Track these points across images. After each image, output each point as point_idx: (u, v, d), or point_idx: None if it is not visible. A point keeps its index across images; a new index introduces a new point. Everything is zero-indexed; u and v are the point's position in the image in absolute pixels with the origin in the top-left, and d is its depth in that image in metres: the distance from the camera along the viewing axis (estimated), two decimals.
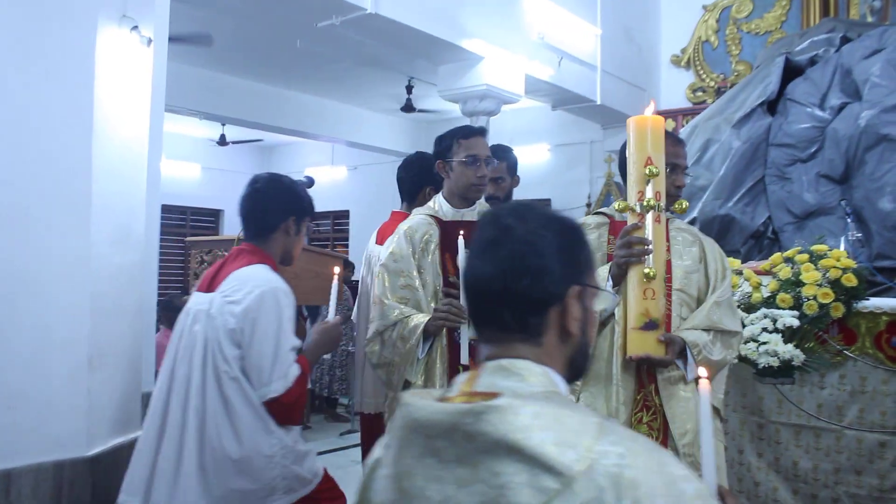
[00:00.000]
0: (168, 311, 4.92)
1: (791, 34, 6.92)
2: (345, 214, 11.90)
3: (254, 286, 2.33)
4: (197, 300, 2.43)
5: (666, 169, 2.24)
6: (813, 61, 5.74)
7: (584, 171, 9.32)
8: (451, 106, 9.21)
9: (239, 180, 3.42)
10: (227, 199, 7.20)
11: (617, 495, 0.94)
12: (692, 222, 5.40)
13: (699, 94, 8.40)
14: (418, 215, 2.83)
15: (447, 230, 2.77)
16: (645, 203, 2.14)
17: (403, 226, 2.79)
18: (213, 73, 8.35)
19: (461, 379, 1.15)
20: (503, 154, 3.66)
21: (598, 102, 7.66)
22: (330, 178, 11.64)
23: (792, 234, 5.30)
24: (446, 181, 2.87)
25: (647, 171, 2.13)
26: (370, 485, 1.17)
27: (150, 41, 2.84)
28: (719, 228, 5.54)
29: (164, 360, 2.44)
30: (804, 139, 5.42)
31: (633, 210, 2.17)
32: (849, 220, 4.72)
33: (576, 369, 1.19)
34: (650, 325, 2.16)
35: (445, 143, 2.87)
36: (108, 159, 2.65)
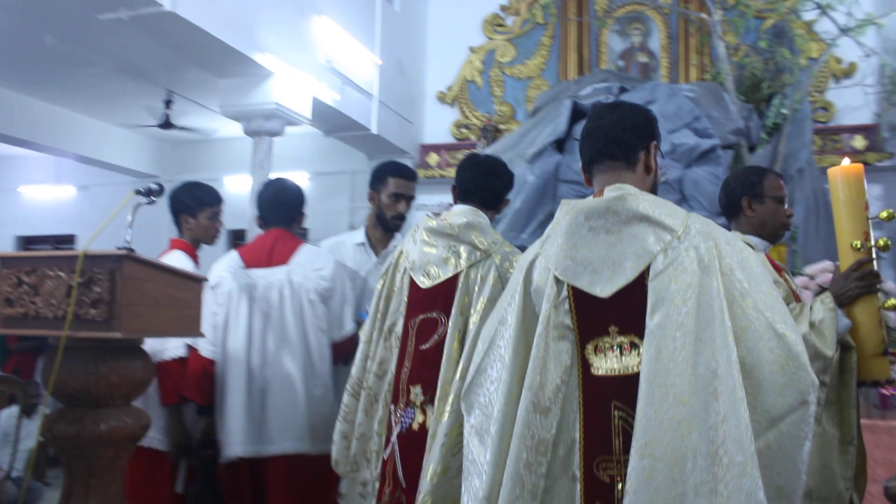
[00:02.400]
0: None
1: (567, 81, 7.39)
2: (69, 239, 10.58)
3: (326, 258, 3.19)
4: (267, 273, 3.07)
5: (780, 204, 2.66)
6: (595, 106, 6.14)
7: (345, 200, 9.16)
8: (216, 125, 8.65)
9: None
10: None
11: (704, 240, 1.63)
12: None
13: (464, 130, 8.64)
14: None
15: None
16: (874, 243, 2.33)
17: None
18: None
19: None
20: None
21: (374, 132, 7.57)
22: (53, 198, 10.31)
23: None
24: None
25: (867, 214, 2.36)
26: (531, 269, 1.80)
27: None
28: None
29: (229, 327, 3.01)
30: None
31: (857, 248, 2.33)
32: None
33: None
34: (886, 352, 2.33)
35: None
36: None
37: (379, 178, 3.39)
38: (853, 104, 7.38)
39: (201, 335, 2.72)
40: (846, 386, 2.37)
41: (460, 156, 8.45)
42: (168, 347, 2.94)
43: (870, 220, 2.37)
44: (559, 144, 5.96)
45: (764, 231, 2.67)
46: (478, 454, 1.73)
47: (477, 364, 1.84)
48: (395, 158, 8.40)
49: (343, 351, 3.15)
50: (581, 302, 1.69)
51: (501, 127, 8.40)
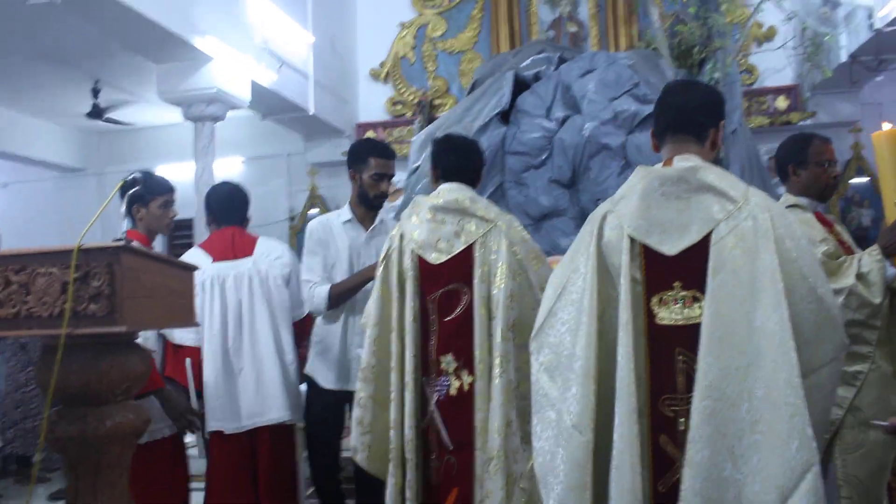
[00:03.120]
0: None
1: (505, 53, 7.43)
2: None
3: (282, 246, 3.59)
4: (236, 265, 3.40)
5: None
6: (537, 77, 6.22)
7: (282, 184, 9.05)
8: (150, 112, 8.38)
9: None
10: None
11: (762, 211, 1.81)
12: None
13: (398, 107, 8.63)
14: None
15: None
16: None
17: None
18: None
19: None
20: None
21: (312, 112, 7.49)
22: None
23: (530, 234, 5.64)
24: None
25: None
26: (603, 224, 1.99)
27: None
28: None
29: (203, 313, 3.29)
30: (535, 147, 5.84)
31: None
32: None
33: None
34: None
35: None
36: None
37: (359, 157, 3.42)
38: (776, 66, 7.67)
39: (196, 324, 2.69)
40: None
41: (397, 133, 8.47)
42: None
43: None
44: (504, 116, 6.01)
45: (811, 192, 2.96)
46: (549, 389, 1.97)
47: (548, 308, 2.03)
48: (331, 139, 8.47)
49: (301, 329, 3.55)
50: (650, 258, 1.91)
51: (437, 102, 8.43)
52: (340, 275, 3.42)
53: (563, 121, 5.88)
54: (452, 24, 8.58)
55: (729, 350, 1.75)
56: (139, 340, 2.92)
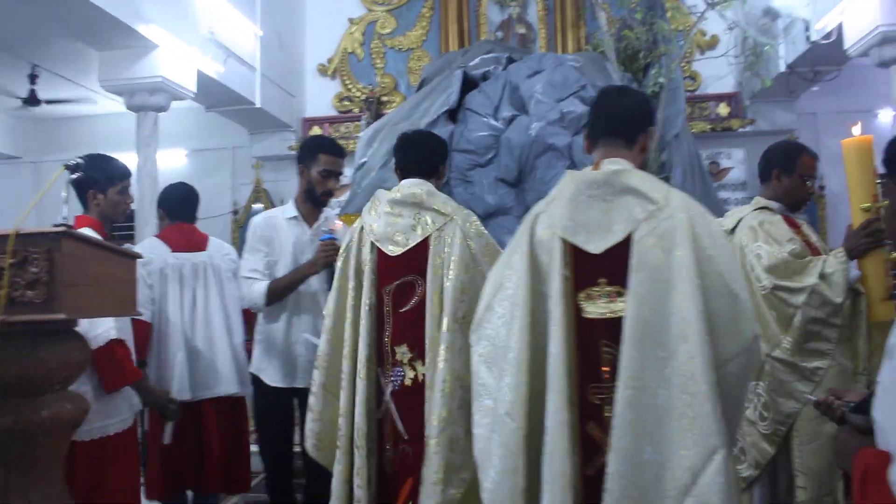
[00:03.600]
0: None
1: (454, 52, 7.44)
2: None
3: (229, 246, 3.97)
4: (192, 256, 3.71)
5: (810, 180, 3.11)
6: (485, 76, 6.25)
7: (227, 177, 8.91)
8: (90, 101, 8.17)
9: None
10: None
11: (680, 212, 1.93)
12: None
13: (346, 103, 8.57)
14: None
15: None
16: (879, 204, 2.67)
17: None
18: None
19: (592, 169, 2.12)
20: None
21: (258, 105, 7.40)
22: None
23: None
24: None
25: (875, 180, 2.69)
26: (535, 224, 2.10)
27: None
28: None
29: (166, 298, 3.63)
30: (482, 146, 5.87)
31: (866, 210, 2.71)
32: None
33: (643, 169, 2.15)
34: (892, 297, 2.72)
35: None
36: None
37: (309, 153, 3.42)
38: (718, 74, 7.84)
39: (139, 314, 2.65)
40: (857, 326, 2.82)
41: (343, 129, 8.42)
42: (99, 332, 2.83)
43: (878, 184, 2.68)
44: (452, 114, 6.03)
45: (786, 199, 3.13)
46: (487, 378, 2.08)
47: (486, 303, 2.16)
48: (277, 133, 8.38)
49: (247, 319, 3.85)
50: (578, 256, 2.04)
51: (384, 99, 8.41)
52: (283, 272, 3.42)
53: (511, 120, 5.92)
54: (402, 22, 8.57)
55: (648, 342, 1.88)
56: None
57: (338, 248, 3.06)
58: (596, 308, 2.01)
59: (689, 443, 1.79)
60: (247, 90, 7.19)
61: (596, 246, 2.01)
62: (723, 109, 8.04)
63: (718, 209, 4.59)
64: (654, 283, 1.90)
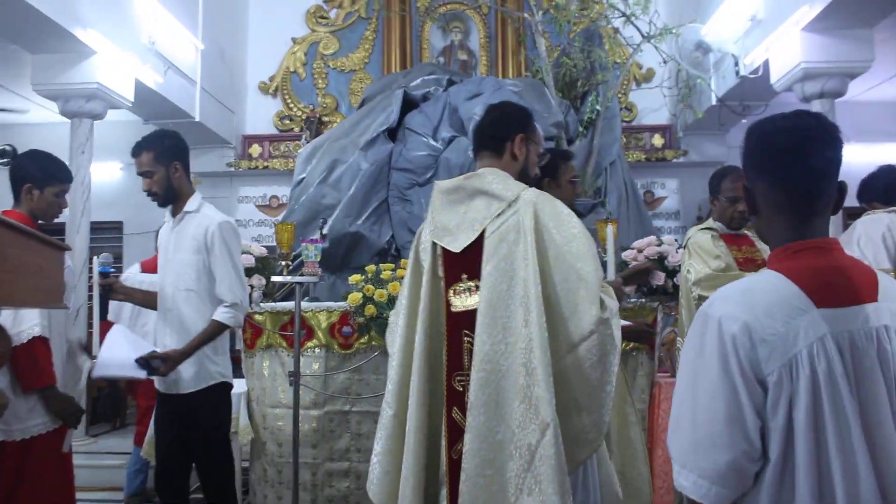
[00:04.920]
0: None
1: (395, 73, 7.52)
2: None
3: None
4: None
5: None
6: (426, 97, 6.33)
7: None
8: (19, 116, 7.95)
9: None
10: None
11: (528, 206, 2.07)
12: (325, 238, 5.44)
13: (286, 122, 8.56)
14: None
15: None
16: None
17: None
18: None
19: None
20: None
21: (197, 119, 7.33)
22: None
23: (413, 249, 5.69)
24: None
25: None
26: (421, 233, 2.31)
27: None
28: (349, 244, 5.75)
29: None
30: (421, 165, 5.93)
31: None
32: None
33: (522, 178, 2.26)
34: None
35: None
36: None
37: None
38: (652, 106, 8.11)
39: (65, 307, 2.58)
40: None
41: (283, 147, 8.40)
42: (23, 328, 2.74)
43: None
44: (391, 133, 6.08)
45: (723, 220, 3.37)
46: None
47: (396, 304, 2.38)
48: (216, 149, 8.30)
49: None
50: (447, 256, 2.23)
51: (325, 119, 8.42)
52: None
53: (450, 141, 6.00)
54: (345, 44, 8.63)
55: (497, 327, 2.03)
56: (25, 328, 2.85)
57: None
58: (460, 301, 2.18)
59: (528, 422, 1.93)
60: (186, 103, 7.12)
61: (456, 245, 2.19)
62: (657, 140, 8.27)
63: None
64: (501, 274, 2.06)
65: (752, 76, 6.40)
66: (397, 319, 2.31)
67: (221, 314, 3.04)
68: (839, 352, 1.25)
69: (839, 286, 1.30)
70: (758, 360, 1.25)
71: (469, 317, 2.12)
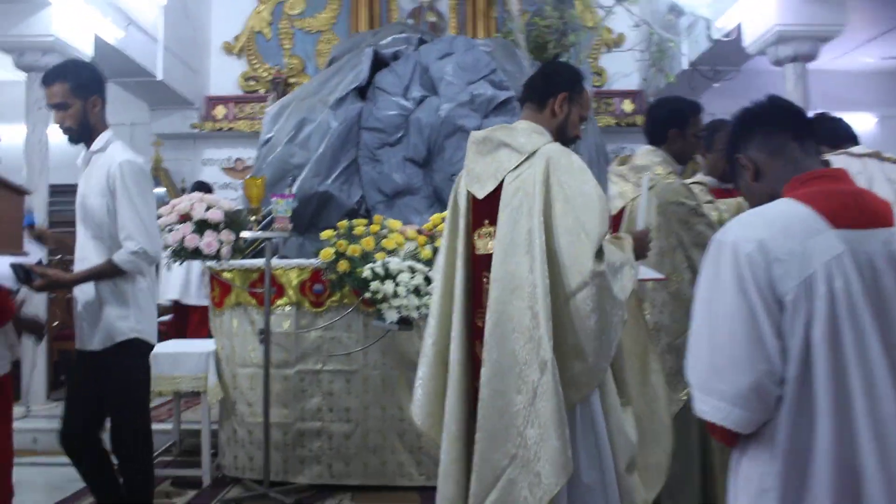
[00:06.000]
0: None
1: (365, 32, 7.35)
2: None
3: None
4: None
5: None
6: (396, 56, 6.19)
7: None
8: None
9: None
10: None
11: (543, 159, 2.20)
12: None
13: (252, 83, 8.38)
14: None
15: None
16: None
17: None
18: None
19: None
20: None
21: (160, 78, 7.12)
22: None
23: (383, 211, 5.60)
24: None
25: None
26: (460, 178, 2.48)
27: None
28: (318, 204, 5.63)
29: None
30: (392, 125, 5.82)
31: None
32: None
33: (559, 135, 2.37)
34: None
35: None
36: None
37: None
38: (623, 70, 8.04)
39: (24, 253, 2.46)
40: None
41: (249, 109, 8.22)
42: None
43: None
44: (361, 92, 5.95)
45: (715, 174, 3.42)
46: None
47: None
48: (179, 110, 8.10)
49: None
50: (474, 203, 2.40)
51: (292, 80, 8.25)
52: None
53: (421, 101, 5.88)
54: (311, 3, 8.44)
55: (506, 273, 2.21)
56: None
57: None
58: (482, 244, 2.36)
59: (532, 357, 2.11)
60: (148, 61, 6.92)
61: (481, 192, 2.35)
62: (627, 106, 8.23)
63: None
64: (513, 223, 2.22)
65: (725, 39, 6.37)
66: (439, 258, 2.50)
67: (119, 255, 2.80)
68: (858, 272, 1.21)
69: (856, 209, 1.30)
70: (773, 279, 1.25)
71: (488, 260, 2.29)
